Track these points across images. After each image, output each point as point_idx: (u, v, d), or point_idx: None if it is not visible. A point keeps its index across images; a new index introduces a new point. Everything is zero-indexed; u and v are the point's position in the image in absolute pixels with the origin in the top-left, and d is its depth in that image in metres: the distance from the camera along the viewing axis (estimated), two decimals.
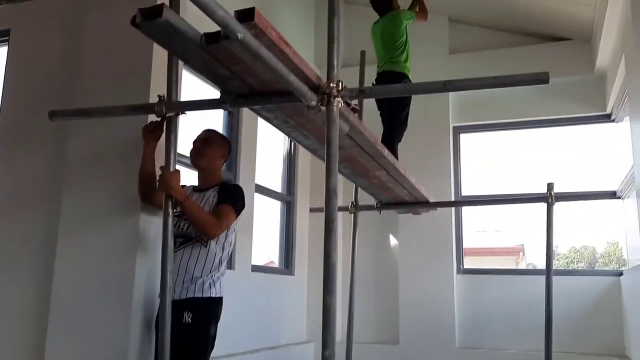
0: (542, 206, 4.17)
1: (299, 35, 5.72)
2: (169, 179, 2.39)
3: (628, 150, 4.14)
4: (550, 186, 4.14)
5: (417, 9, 4.64)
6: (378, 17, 4.51)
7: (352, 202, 4.52)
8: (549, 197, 4.11)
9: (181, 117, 2.49)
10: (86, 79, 2.89)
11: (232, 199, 2.68)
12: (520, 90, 5.19)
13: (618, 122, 5.19)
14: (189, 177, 2.87)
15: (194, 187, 2.81)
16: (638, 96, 3.03)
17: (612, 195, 4.75)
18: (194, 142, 2.79)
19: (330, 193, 2.04)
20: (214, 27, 1.72)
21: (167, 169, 2.40)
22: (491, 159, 5.96)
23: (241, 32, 1.58)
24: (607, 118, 5.35)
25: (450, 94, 5.56)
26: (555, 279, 4.14)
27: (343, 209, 4.54)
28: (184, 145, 2.84)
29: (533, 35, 5.54)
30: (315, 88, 2.13)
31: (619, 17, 3.93)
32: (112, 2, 2.88)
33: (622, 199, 4.71)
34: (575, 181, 5.34)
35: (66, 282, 2.70)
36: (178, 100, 2.47)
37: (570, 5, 4.81)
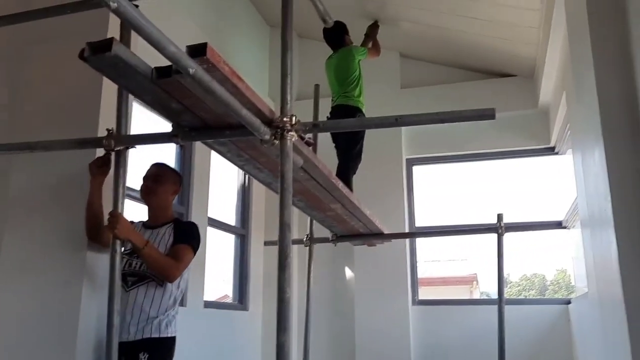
0: (494, 236, 4.26)
1: (252, 67, 5.75)
2: (124, 225, 2.31)
3: (572, 181, 4.30)
4: (499, 217, 4.24)
5: (369, 46, 4.78)
6: (331, 51, 4.60)
7: (307, 235, 4.51)
8: (499, 228, 4.22)
9: (131, 151, 2.44)
10: (32, 112, 2.80)
11: (189, 238, 2.64)
12: (470, 124, 5.34)
13: (561, 154, 5.40)
14: (137, 212, 2.79)
15: (143, 223, 2.74)
16: (578, 131, 3.17)
17: (558, 225, 4.91)
18: (145, 179, 2.72)
19: (284, 227, 2.02)
20: (166, 60, 1.70)
21: (120, 213, 2.32)
22: (444, 190, 6.08)
23: (193, 67, 1.56)
24: (551, 151, 5.56)
25: (403, 127, 5.68)
26: (507, 309, 4.20)
27: (298, 241, 4.52)
28: (134, 179, 2.77)
29: (480, 71, 5.75)
30: (269, 122, 2.12)
31: (559, 56, 4.13)
32: (59, 34, 2.82)
33: (568, 228, 4.87)
34: (525, 211, 5.51)
35: (6, 325, 2.55)
36: (128, 133, 2.42)
37: (514, 44, 5.04)
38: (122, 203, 2.33)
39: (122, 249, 2.37)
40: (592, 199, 2.60)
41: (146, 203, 2.74)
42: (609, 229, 2.14)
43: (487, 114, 2.06)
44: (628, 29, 2.12)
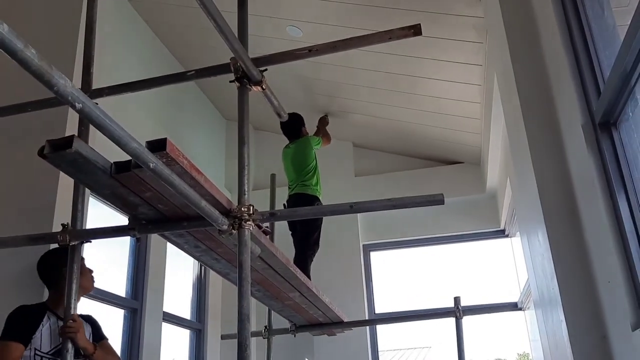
0: (453, 320, 4.28)
1: (209, 158, 5.85)
2: (83, 332, 2.19)
3: (523, 263, 4.43)
4: (457, 300, 4.29)
5: (321, 135, 5.00)
6: (287, 141, 4.76)
7: (266, 326, 4.42)
8: (457, 311, 4.25)
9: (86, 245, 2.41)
10: None
11: (103, 332, 2.55)
12: (423, 209, 5.50)
13: (511, 237, 5.59)
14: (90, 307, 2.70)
15: (49, 309, 2.39)
16: (523, 215, 3.33)
17: (514, 306, 4.99)
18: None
19: (243, 318, 2.01)
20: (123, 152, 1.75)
21: (80, 320, 2.20)
22: (402, 275, 6.13)
23: (153, 161, 1.61)
24: (502, 233, 5.76)
25: (359, 214, 5.80)
26: None
27: (256, 334, 4.41)
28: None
29: (430, 159, 6.02)
30: (227, 212, 2.16)
31: (501, 144, 4.39)
32: (13, 130, 2.85)
33: (523, 310, 4.95)
34: (481, 294, 5.58)
35: None
36: (83, 227, 2.40)
37: (460, 134, 5.35)
38: (76, 300, 2.24)
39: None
40: (541, 280, 2.69)
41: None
42: (558, 308, 2.21)
43: (437, 200, 2.18)
44: (558, 121, 2.33)
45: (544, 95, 2.41)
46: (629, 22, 1.49)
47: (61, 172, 2.59)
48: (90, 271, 2.55)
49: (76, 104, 1.28)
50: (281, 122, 4.61)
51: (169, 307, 4.59)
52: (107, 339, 2.50)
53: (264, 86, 2.37)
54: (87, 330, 2.46)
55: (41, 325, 2.25)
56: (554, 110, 2.34)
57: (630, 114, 1.72)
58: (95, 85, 2.64)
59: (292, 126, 4.64)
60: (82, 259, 2.51)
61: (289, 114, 4.66)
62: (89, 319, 2.52)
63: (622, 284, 1.67)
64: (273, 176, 4.81)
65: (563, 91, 2.16)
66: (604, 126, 1.85)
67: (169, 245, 4.61)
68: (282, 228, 4.49)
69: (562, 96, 2.19)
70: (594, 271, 2.02)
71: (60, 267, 2.36)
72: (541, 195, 2.33)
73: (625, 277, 1.67)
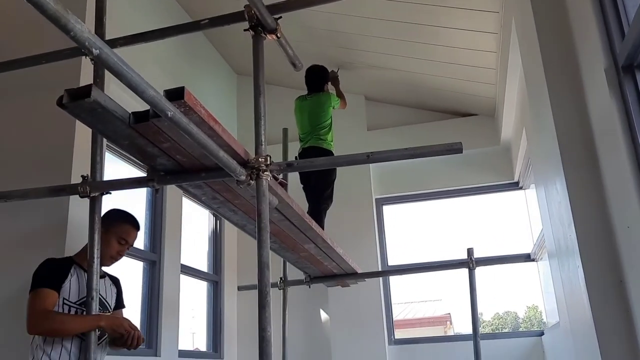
0: (465, 273, 4.32)
1: (221, 114, 5.81)
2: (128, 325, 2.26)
3: (537, 215, 4.43)
4: (470, 251, 4.32)
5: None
6: (299, 94, 4.68)
7: (281, 278, 4.49)
8: (470, 262, 4.28)
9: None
10: (4, 161, 2.79)
11: (123, 300, 2.60)
12: (435, 162, 5.48)
13: (525, 189, 5.57)
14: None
15: (78, 265, 2.43)
16: (540, 164, 3.31)
17: (527, 257, 5.02)
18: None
19: (262, 266, 2.05)
20: (136, 105, 1.75)
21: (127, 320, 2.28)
22: (414, 228, 6.17)
23: (171, 110, 1.61)
24: (515, 186, 5.74)
25: (372, 167, 5.80)
26: (482, 343, 4.23)
27: (272, 285, 4.49)
28: None
29: (443, 111, 5.95)
30: (244, 163, 2.17)
31: (517, 95, 4.33)
32: (26, 86, 2.84)
33: (536, 261, 4.98)
34: (494, 246, 5.62)
35: None
36: (102, 179, 2.42)
37: (474, 85, 5.26)
38: (98, 250, 2.29)
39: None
40: (557, 228, 2.70)
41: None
42: (575, 255, 2.22)
43: (455, 148, 2.16)
44: (579, 66, 2.28)
45: (565, 39, 2.35)
46: None
47: (77, 126, 2.62)
48: (129, 247, 2.53)
49: (93, 49, 1.27)
50: (307, 70, 4.53)
51: (186, 259, 4.68)
52: (124, 308, 2.58)
53: (278, 34, 2.34)
54: (114, 292, 2.53)
55: (69, 276, 2.30)
56: (575, 55, 2.29)
57: None
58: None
59: (318, 78, 4.56)
60: (135, 232, 2.52)
61: (317, 65, 4.62)
62: (116, 283, 2.59)
63: None
64: (285, 130, 4.78)
65: (585, 34, 2.10)
66: (627, 69, 1.81)
67: (184, 199, 4.67)
68: (293, 184, 4.50)
69: (584, 40, 2.14)
70: (612, 217, 2.02)
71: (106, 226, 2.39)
72: (560, 142, 2.31)
73: None
